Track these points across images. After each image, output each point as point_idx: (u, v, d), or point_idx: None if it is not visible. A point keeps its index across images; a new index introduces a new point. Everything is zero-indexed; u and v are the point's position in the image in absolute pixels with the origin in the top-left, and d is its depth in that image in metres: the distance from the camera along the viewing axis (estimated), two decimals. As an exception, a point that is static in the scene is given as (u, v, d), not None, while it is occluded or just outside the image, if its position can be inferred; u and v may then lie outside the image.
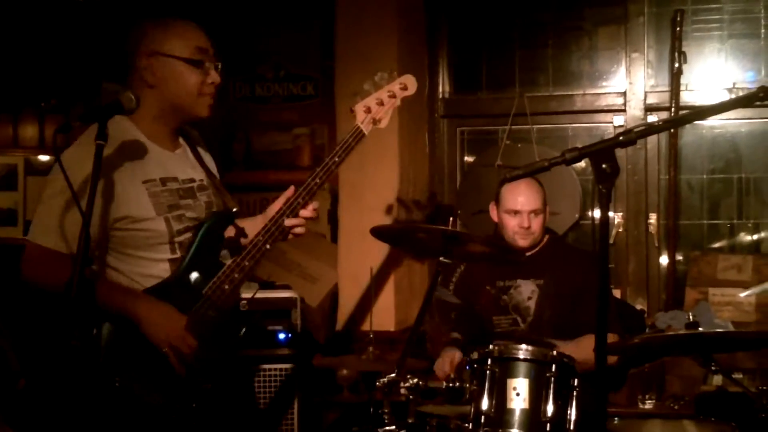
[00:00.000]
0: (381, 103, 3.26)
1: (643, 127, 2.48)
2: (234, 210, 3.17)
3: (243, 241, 3.16)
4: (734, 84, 5.14)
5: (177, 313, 2.99)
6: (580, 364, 3.25)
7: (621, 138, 2.42)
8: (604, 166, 2.38)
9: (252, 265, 3.07)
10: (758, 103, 2.49)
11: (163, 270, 3.06)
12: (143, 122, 3.10)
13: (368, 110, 3.25)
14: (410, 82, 3.33)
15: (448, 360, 3.95)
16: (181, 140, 3.24)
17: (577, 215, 5.13)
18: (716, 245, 5.23)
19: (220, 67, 3.15)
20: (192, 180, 3.18)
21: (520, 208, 4.06)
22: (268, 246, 3.08)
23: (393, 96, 3.28)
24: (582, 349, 3.66)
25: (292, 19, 5.61)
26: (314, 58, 5.60)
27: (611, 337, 3.78)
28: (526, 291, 4.12)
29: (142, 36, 3.10)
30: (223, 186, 3.26)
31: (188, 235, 3.08)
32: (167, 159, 3.14)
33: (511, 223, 4.09)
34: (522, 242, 4.09)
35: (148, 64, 3.07)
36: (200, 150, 3.32)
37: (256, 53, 5.71)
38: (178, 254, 3.07)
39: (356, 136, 3.24)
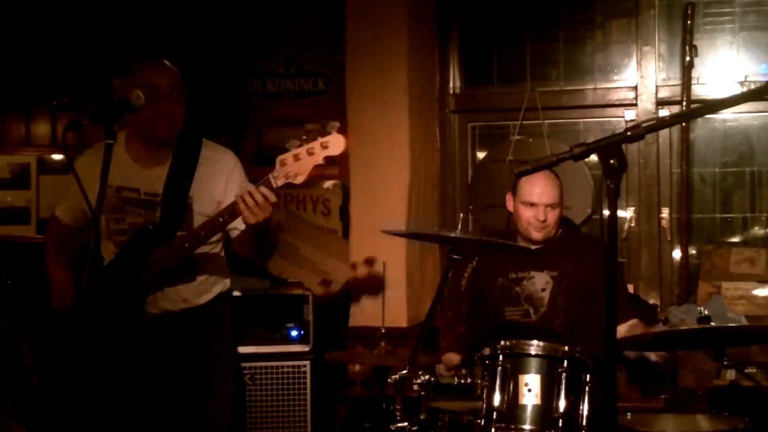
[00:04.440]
0: (298, 159, 3.31)
1: (651, 122, 2.47)
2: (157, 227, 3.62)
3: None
4: (746, 77, 5.11)
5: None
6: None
7: (629, 133, 2.40)
8: (612, 161, 2.37)
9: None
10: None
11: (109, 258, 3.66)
12: (128, 138, 3.69)
13: (284, 163, 3.34)
14: (335, 142, 3.34)
15: (443, 368, 3.97)
16: (168, 159, 3.66)
17: (589, 209, 5.12)
18: (729, 239, 5.21)
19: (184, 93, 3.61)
20: (154, 194, 3.64)
21: (536, 201, 4.03)
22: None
23: (312, 153, 3.31)
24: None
25: (302, 15, 5.60)
26: (325, 53, 5.60)
27: (638, 325, 3.80)
28: (540, 282, 4.11)
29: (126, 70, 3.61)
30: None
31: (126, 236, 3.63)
32: (134, 172, 3.66)
33: (527, 215, 4.06)
34: (536, 234, 4.08)
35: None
36: (206, 172, 3.64)
37: (267, 49, 5.71)
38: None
39: (264, 182, 3.38)
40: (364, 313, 4.93)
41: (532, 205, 4.03)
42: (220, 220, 3.44)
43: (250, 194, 3.33)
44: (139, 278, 3.57)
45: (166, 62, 3.65)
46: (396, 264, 4.88)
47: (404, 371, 3.42)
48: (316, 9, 5.54)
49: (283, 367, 4.56)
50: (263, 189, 3.34)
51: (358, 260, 4.98)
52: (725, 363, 3.36)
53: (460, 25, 5.57)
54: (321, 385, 4.70)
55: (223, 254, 3.84)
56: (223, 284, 3.84)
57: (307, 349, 4.62)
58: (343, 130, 5.35)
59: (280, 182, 3.34)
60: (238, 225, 3.55)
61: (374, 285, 4.83)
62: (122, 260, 3.62)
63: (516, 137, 5.31)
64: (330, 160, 4.82)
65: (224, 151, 3.80)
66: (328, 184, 5.38)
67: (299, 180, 3.35)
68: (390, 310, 4.43)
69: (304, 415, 4.57)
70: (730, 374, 4.05)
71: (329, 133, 3.34)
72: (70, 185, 3.71)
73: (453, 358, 4.00)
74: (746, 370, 3.76)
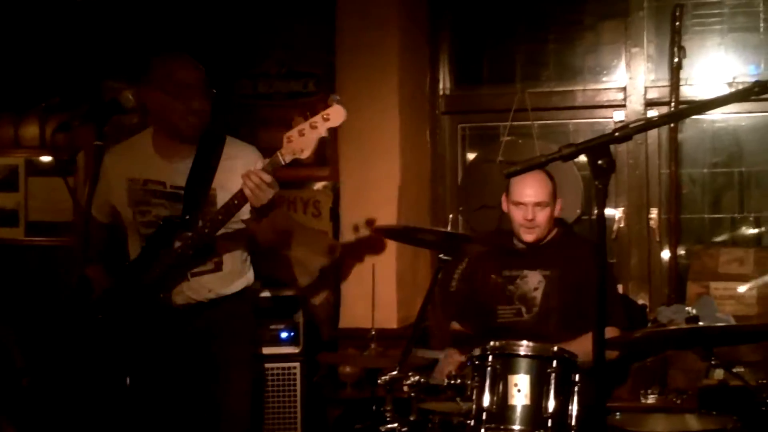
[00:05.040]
0: (303, 134, 3.41)
1: (639, 123, 2.48)
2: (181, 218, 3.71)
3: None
4: (734, 78, 5.13)
5: None
6: (583, 361, 3.27)
7: (617, 134, 2.42)
8: (600, 161, 2.38)
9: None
10: (755, 97, 2.48)
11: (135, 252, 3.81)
12: (155, 133, 3.83)
13: (290, 140, 3.44)
14: (335, 113, 3.45)
15: (451, 363, 3.97)
16: (192, 154, 3.76)
17: (578, 210, 5.13)
18: (718, 239, 5.23)
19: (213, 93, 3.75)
20: (179, 188, 3.74)
21: (525, 201, 4.09)
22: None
23: (315, 127, 3.42)
24: (583, 347, 3.67)
25: (293, 16, 5.59)
26: (316, 54, 5.59)
27: (612, 331, 3.81)
28: (533, 281, 4.14)
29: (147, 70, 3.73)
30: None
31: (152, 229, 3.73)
32: (160, 166, 3.78)
33: (517, 215, 4.13)
34: (527, 235, 4.12)
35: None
36: (227, 166, 3.72)
37: (259, 51, 5.70)
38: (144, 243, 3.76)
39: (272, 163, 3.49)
40: (354, 314, 4.93)
41: (521, 204, 4.06)
42: (235, 202, 3.54)
43: (253, 174, 3.43)
44: (159, 264, 3.67)
45: (191, 59, 3.77)
46: (386, 265, 4.89)
47: (394, 372, 3.44)
48: (307, 10, 5.54)
49: (273, 369, 4.57)
50: (262, 170, 3.44)
51: (348, 262, 4.99)
52: (713, 363, 3.40)
53: (451, 26, 5.57)
54: (312, 386, 4.70)
55: (246, 250, 3.92)
56: (247, 279, 3.94)
57: (297, 350, 4.62)
58: (333, 132, 5.42)
59: (288, 158, 3.45)
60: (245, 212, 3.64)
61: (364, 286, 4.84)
62: (148, 252, 3.72)
63: (506, 138, 5.32)
64: (322, 162, 4.87)
65: (247, 146, 3.90)
66: (319, 185, 5.38)
67: (305, 154, 3.44)
68: (380, 311, 4.43)
69: (294, 416, 4.57)
70: (719, 374, 4.06)
71: (330, 106, 3.44)
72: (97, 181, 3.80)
73: (457, 356, 4.02)
74: (735, 370, 3.77)
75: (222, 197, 3.66)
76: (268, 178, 3.43)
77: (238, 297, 3.88)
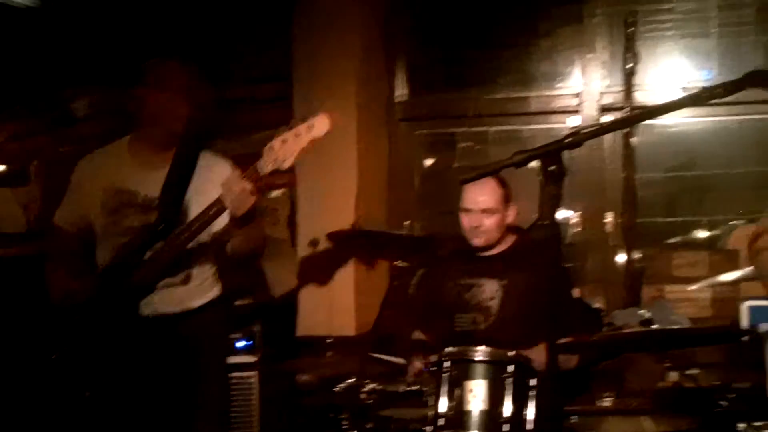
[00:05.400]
0: (285, 143, 3.34)
1: (590, 129, 2.51)
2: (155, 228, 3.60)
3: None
4: (688, 83, 5.19)
5: None
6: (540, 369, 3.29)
7: (568, 140, 2.44)
8: (551, 167, 2.40)
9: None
10: (705, 102, 2.51)
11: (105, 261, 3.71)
12: (132, 141, 3.79)
13: (271, 150, 3.37)
14: (320, 123, 3.36)
15: (413, 371, 3.98)
16: (168, 163, 3.68)
17: (534, 216, 5.14)
18: (672, 242, 5.28)
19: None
20: (154, 198, 3.65)
21: (471, 207, 4.09)
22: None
23: (298, 136, 3.35)
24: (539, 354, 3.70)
25: (258, 23, 5.57)
26: (281, 61, 5.57)
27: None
28: (490, 290, 4.13)
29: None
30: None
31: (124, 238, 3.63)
32: (135, 175, 3.72)
33: (464, 221, 4.13)
34: (475, 240, 4.12)
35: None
36: (202, 177, 3.66)
37: (222, 57, 5.66)
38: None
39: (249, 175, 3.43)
40: (312, 321, 4.93)
41: (467, 210, 4.07)
42: (210, 212, 3.50)
43: (234, 182, 3.39)
44: (135, 275, 3.59)
45: (179, 63, 3.77)
46: (344, 272, 4.89)
47: (351, 380, 3.43)
48: (268, 17, 5.51)
49: (230, 378, 4.54)
50: (243, 178, 3.40)
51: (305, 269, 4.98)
52: (667, 365, 3.44)
53: (408, 33, 5.59)
54: (269, 395, 4.68)
55: (215, 261, 3.87)
56: (215, 292, 3.89)
57: (254, 359, 4.60)
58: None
59: (269, 168, 3.36)
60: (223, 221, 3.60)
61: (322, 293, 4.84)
62: (119, 262, 3.65)
63: (462, 144, 5.34)
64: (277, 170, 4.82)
65: (222, 159, 3.84)
66: (276, 193, 5.37)
67: (287, 164, 3.36)
68: (338, 318, 4.43)
69: (251, 426, 4.55)
70: (674, 376, 4.10)
71: (315, 115, 3.37)
72: (68, 190, 3.82)
73: (417, 364, 4.01)
74: (690, 372, 3.82)
75: (196, 208, 3.62)
76: (249, 186, 3.38)
77: (208, 307, 3.83)
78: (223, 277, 3.91)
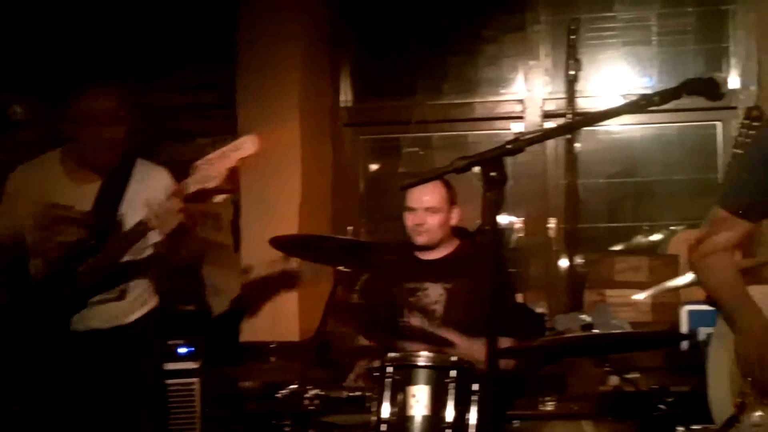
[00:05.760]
0: (211, 163, 3.39)
1: (531, 135, 2.53)
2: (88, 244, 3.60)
3: None
4: (629, 90, 5.26)
5: None
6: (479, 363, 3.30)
7: (509, 146, 2.46)
8: (492, 174, 2.41)
9: None
10: (643, 109, 2.55)
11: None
12: (65, 154, 3.76)
13: (198, 169, 3.41)
14: (247, 143, 3.43)
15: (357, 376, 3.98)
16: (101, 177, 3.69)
17: (478, 221, 5.18)
18: (614, 248, 5.34)
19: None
20: (87, 212, 3.65)
21: (414, 206, 4.12)
22: None
23: (225, 156, 3.39)
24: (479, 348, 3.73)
25: (202, 30, 5.52)
26: (225, 68, 5.53)
27: (509, 342, 3.85)
28: (434, 294, 4.15)
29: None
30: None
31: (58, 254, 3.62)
32: (67, 189, 3.69)
33: (408, 219, 4.16)
34: (418, 239, 4.15)
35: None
36: (137, 189, 3.66)
37: (169, 65, 5.61)
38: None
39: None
40: (256, 327, 4.90)
41: (412, 209, 4.10)
42: (139, 229, 3.48)
43: (155, 203, 3.39)
44: (66, 289, 3.57)
45: (105, 87, 3.70)
46: (287, 277, 4.87)
47: (293, 386, 3.42)
48: (211, 22, 5.48)
49: (172, 384, 4.50)
50: (167, 199, 3.40)
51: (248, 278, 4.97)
52: (607, 369, 3.47)
53: (352, 39, 5.59)
54: (211, 401, 4.64)
55: (151, 274, 3.84)
56: (153, 302, 3.86)
57: (196, 366, 4.57)
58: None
59: (194, 188, 3.41)
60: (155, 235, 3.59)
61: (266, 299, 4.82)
62: (52, 277, 3.62)
63: (407, 150, 5.36)
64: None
65: (158, 169, 3.83)
66: (219, 198, 5.32)
67: (213, 184, 3.41)
68: (282, 324, 4.42)
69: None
70: (614, 380, 4.14)
71: (242, 136, 3.44)
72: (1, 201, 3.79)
73: (359, 369, 4.02)
74: (630, 376, 3.85)
75: (131, 221, 3.60)
76: (174, 205, 3.37)
77: (142, 322, 3.80)
78: (161, 288, 3.88)
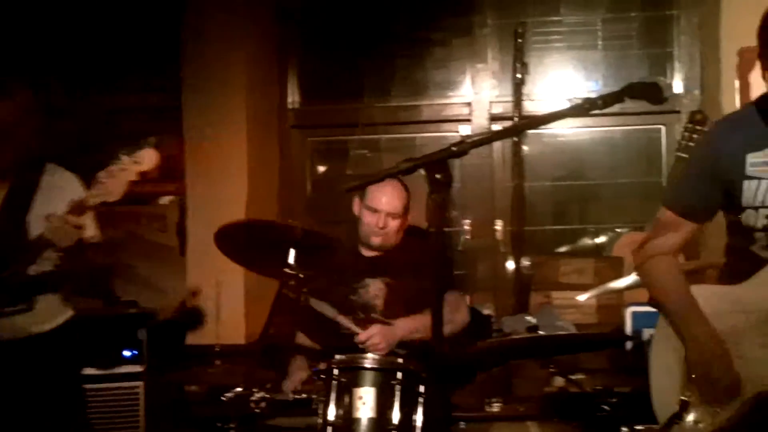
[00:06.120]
0: (112, 176, 3.31)
1: (475, 138, 2.54)
2: None
3: None
4: (575, 94, 5.30)
5: None
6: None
7: (454, 148, 2.46)
8: (437, 176, 2.41)
9: None
10: (587, 112, 2.57)
11: None
12: None
13: (99, 181, 3.31)
14: (147, 157, 3.35)
15: (297, 380, 3.96)
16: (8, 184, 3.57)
17: (426, 223, 5.18)
18: (560, 250, 5.38)
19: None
20: None
21: (380, 208, 4.12)
22: None
23: (125, 170, 3.32)
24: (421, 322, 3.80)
25: (148, 31, 5.47)
26: (171, 70, 5.49)
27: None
28: (374, 289, 4.18)
29: None
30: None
31: None
32: None
33: (368, 220, 4.16)
34: (374, 239, 4.17)
35: None
36: (46, 197, 3.54)
37: (115, 67, 5.55)
38: None
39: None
40: (202, 330, 4.87)
41: (375, 211, 4.11)
42: (41, 241, 3.38)
43: (54, 217, 3.31)
44: None
45: (10, 88, 3.57)
46: (234, 279, 4.84)
47: (239, 389, 3.40)
48: (158, 25, 5.43)
49: (115, 388, 4.45)
50: (66, 213, 3.31)
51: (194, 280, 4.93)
52: (552, 370, 3.50)
53: (300, 40, 5.58)
54: (156, 405, 4.60)
55: (62, 284, 3.73)
56: (65, 313, 3.75)
57: (140, 369, 4.52)
58: (179, 146, 5.36)
59: (94, 201, 3.32)
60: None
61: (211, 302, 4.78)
62: None
63: (355, 152, 5.35)
64: (168, 177, 4.78)
65: (68, 176, 3.71)
66: (165, 200, 5.29)
67: (114, 197, 3.32)
68: (228, 327, 4.39)
69: (137, 437, 4.48)
70: (559, 381, 4.17)
71: (142, 149, 3.34)
72: None
73: (301, 373, 4.00)
74: (575, 377, 3.88)
75: (35, 231, 3.49)
76: (71, 221, 3.32)
77: (56, 332, 3.70)
78: (75, 299, 3.81)
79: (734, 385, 2.71)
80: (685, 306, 2.83)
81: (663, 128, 5.26)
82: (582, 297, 4.74)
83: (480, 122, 5.33)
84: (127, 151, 3.33)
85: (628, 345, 4.20)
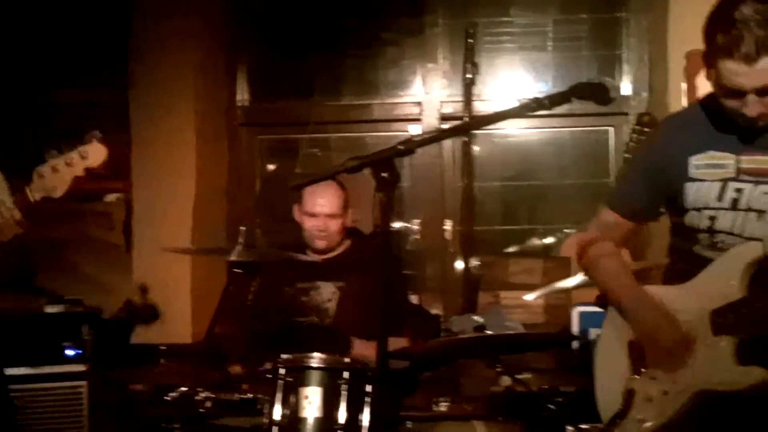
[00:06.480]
0: (56, 171, 3.20)
1: (422, 137, 2.54)
2: None
3: None
4: (526, 95, 5.31)
5: None
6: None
7: (400, 147, 2.46)
8: (384, 174, 2.41)
9: None
10: (533, 112, 2.58)
11: None
12: None
13: (41, 176, 3.21)
14: (95, 152, 3.26)
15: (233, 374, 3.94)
16: None
17: (372, 222, 5.19)
18: (509, 250, 5.40)
19: None
20: None
21: (317, 212, 4.16)
22: None
23: (70, 164, 3.22)
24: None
25: (96, 27, 5.40)
26: (119, 66, 5.42)
27: (403, 341, 3.88)
28: (327, 293, 4.20)
29: None
30: None
31: None
32: None
33: (308, 225, 4.20)
34: (318, 243, 4.21)
35: None
36: None
37: (61, 62, 5.46)
38: None
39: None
40: (147, 329, 4.82)
41: (313, 215, 4.12)
42: None
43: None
44: None
45: None
46: (181, 278, 4.81)
47: (184, 388, 3.37)
48: (106, 21, 5.36)
49: (58, 388, 4.38)
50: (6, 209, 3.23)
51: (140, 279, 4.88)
52: (499, 370, 3.51)
53: (250, 38, 5.54)
54: (100, 405, 4.55)
55: None
56: None
57: (84, 368, 4.46)
58: (126, 143, 5.29)
59: (38, 196, 3.22)
60: None
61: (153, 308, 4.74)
62: None
63: (305, 151, 5.33)
64: (114, 174, 4.71)
65: None
66: (111, 197, 5.22)
67: (58, 193, 3.23)
68: (174, 326, 4.35)
69: (80, 437, 4.42)
70: (506, 380, 4.18)
71: (89, 143, 3.25)
72: None
73: (236, 368, 3.98)
74: (522, 376, 3.90)
75: None
76: (9, 216, 3.23)
77: None
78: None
79: (685, 344, 2.72)
80: (638, 297, 2.85)
81: (611, 130, 5.30)
82: (530, 296, 4.76)
83: (430, 122, 5.33)
84: (72, 145, 3.25)
85: (575, 344, 4.24)
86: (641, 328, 2.82)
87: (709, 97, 2.75)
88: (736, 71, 2.51)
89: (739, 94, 2.55)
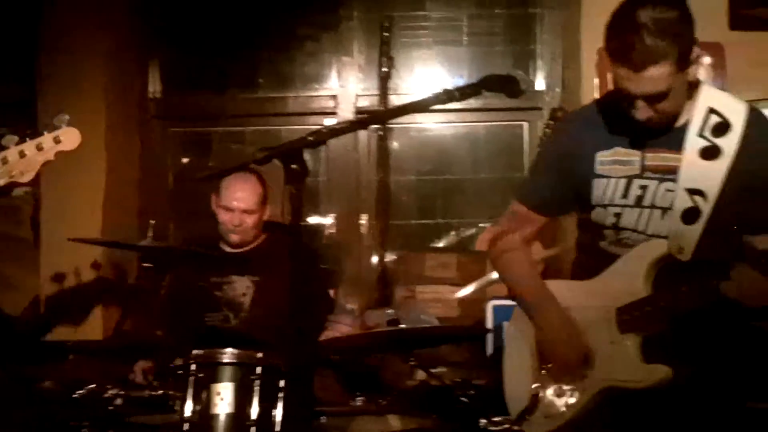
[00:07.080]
0: (24, 155, 2.99)
1: (330, 128, 2.51)
2: None
3: None
4: (441, 88, 5.31)
5: None
6: None
7: (310, 138, 2.43)
8: (293, 166, 2.38)
9: None
10: (443, 104, 2.58)
11: None
12: None
13: (5, 161, 2.98)
14: (69, 136, 3.08)
15: (138, 371, 3.87)
16: None
17: (289, 216, 5.14)
18: (425, 244, 5.41)
19: None
20: None
21: (233, 206, 4.12)
22: None
23: (41, 149, 3.02)
24: None
25: (3, 21, 5.25)
26: (27, 60, 5.28)
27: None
28: (241, 287, 4.16)
29: None
30: None
31: None
32: None
33: (223, 218, 4.16)
34: (232, 237, 4.18)
35: None
36: None
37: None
38: None
39: None
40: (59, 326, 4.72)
41: (229, 209, 4.08)
42: None
43: None
44: None
45: None
46: (90, 273, 4.71)
47: (92, 385, 3.31)
48: (14, 15, 5.22)
49: None
50: None
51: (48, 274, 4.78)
52: (413, 363, 3.51)
53: (163, 30, 5.45)
54: (6, 402, 4.44)
55: None
56: None
57: (-13, 366, 4.35)
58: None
59: (2, 182, 3.01)
60: None
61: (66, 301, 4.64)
62: None
63: (219, 144, 5.28)
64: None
65: None
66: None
67: (26, 178, 3.03)
68: (84, 322, 4.26)
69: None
70: (421, 374, 4.19)
71: (60, 127, 3.07)
72: None
73: (143, 363, 3.92)
74: (437, 370, 3.92)
75: None
76: None
77: None
78: None
79: (584, 358, 2.75)
80: (541, 297, 2.87)
81: (525, 125, 5.34)
82: (465, 291, 4.75)
83: (345, 115, 5.30)
84: (46, 129, 3.07)
85: (489, 338, 4.27)
86: (541, 334, 2.84)
87: (610, 95, 2.78)
88: (626, 76, 2.53)
89: (630, 97, 2.57)
